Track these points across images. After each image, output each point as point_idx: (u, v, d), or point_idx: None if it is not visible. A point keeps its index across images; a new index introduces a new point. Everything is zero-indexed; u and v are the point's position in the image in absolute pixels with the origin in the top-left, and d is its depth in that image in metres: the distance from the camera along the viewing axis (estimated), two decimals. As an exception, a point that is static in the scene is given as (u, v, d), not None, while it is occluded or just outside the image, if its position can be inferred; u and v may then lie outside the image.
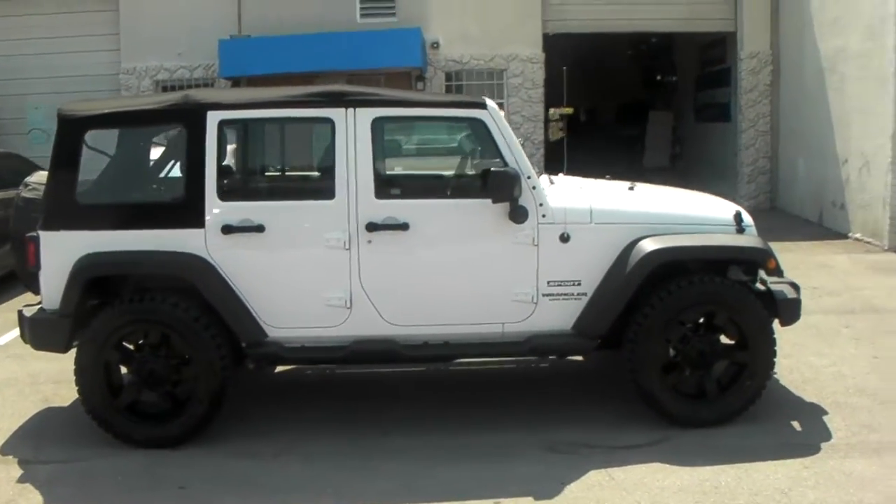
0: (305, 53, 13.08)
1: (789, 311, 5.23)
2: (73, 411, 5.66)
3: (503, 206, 5.00)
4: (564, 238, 5.08)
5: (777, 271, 5.22)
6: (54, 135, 5.10)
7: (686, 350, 5.13)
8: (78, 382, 5.02)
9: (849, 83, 11.29)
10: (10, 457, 4.99)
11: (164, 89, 14.12)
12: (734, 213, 5.41)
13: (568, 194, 5.30)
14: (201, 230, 4.99)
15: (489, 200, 4.98)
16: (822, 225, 12.13)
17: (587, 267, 5.11)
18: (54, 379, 6.29)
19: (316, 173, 5.36)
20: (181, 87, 13.91)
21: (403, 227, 5.00)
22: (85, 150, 5.04)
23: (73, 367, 6.29)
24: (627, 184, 5.83)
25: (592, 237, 5.12)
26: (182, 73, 14.30)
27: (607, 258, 5.11)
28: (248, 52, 13.41)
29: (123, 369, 5.14)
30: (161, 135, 5.47)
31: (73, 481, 4.67)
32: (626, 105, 24.48)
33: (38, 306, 5.26)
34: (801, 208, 13.06)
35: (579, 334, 5.13)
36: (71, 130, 5.04)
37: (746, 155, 14.44)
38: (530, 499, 4.34)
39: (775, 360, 5.18)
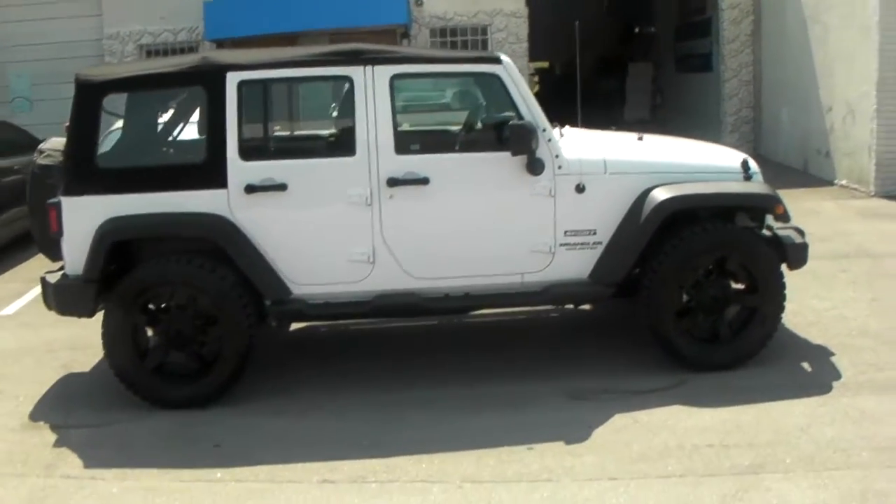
0: (290, 13, 12.98)
1: (797, 255, 5.38)
2: (96, 376, 5.75)
3: (521, 159, 5.08)
4: (580, 188, 5.19)
5: (784, 217, 5.36)
6: (73, 100, 5.09)
7: (699, 295, 5.28)
8: (105, 345, 5.07)
9: (832, 32, 11.41)
10: (42, 423, 5.06)
11: (149, 54, 13.98)
12: (741, 160, 5.54)
13: (581, 146, 5.39)
14: (224, 190, 5.03)
15: (507, 153, 5.07)
16: (808, 172, 12.32)
17: (602, 216, 5.23)
18: (70, 346, 6.34)
19: (336, 131, 5.40)
20: (166, 52, 13.78)
21: (423, 181, 5.08)
22: (104, 114, 5.05)
23: (86, 333, 6.40)
24: (636, 135, 5.93)
25: (606, 187, 5.23)
26: (166, 37, 14.13)
27: (621, 207, 5.23)
28: (233, 13, 13.26)
29: (149, 332, 5.22)
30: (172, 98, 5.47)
31: (110, 443, 4.75)
32: (606, 58, 24.45)
33: (61, 272, 5.30)
34: (785, 156, 13.25)
35: (595, 282, 5.27)
36: (89, 95, 5.03)
37: (730, 105, 14.59)
38: (561, 443, 4.49)
39: (784, 303, 5.35)
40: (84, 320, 5.38)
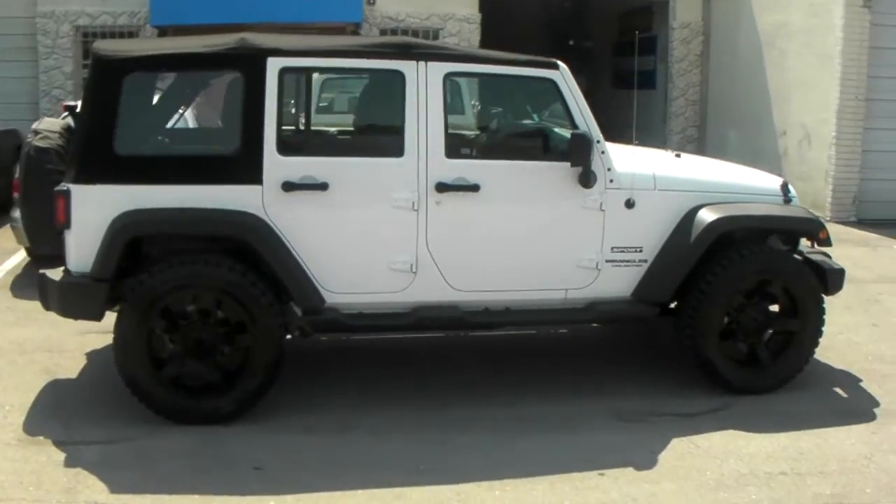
0: (240, 3, 12.40)
1: (836, 280, 5.33)
2: (86, 384, 5.20)
3: (573, 170, 4.86)
4: (629, 204, 5.01)
5: (827, 242, 5.33)
6: (88, 76, 4.56)
7: (741, 318, 5.16)
8: (117, 352, 4.55)
9: (789, 58, 11.67)
10: (41, 437, 4.48)
11: (86, 36, 13.07)
12: (781, 184, 5.49)
13: (629, 160, 5.21)
14: (258, 187, 4.60)
15: (561, 163, 4.85)
16: (755, 195, 12.57)
17: (648, 233, 5.07)
18: (45, 347, 5.74)
19: (384, 129, 5.04)
20: (104, 35, 12.91)
21: (474, 188, 4.78)
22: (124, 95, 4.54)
23: (58, 334, 5.81)
24: (673, 152, 5.80)
25: (655, 204, 5.07)
26: (105, 20, 13.23)
27: (668, 225, 5.09)
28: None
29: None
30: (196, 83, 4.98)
31: (129, 463, 4.23)
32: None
33: (61, 269, 4.75)
34: (729, 178, 13.48)
35: (639, 301, 5.09)
36: (110, 72, 4.52)
37: (675, 123, 14.78)
38: (631, 469, 4.27)
39: (823, 328, 5.30)
40: (52, 318, 4.88)
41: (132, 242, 4.55)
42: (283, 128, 4.62)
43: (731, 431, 4.70)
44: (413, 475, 4.16)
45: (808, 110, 11.16)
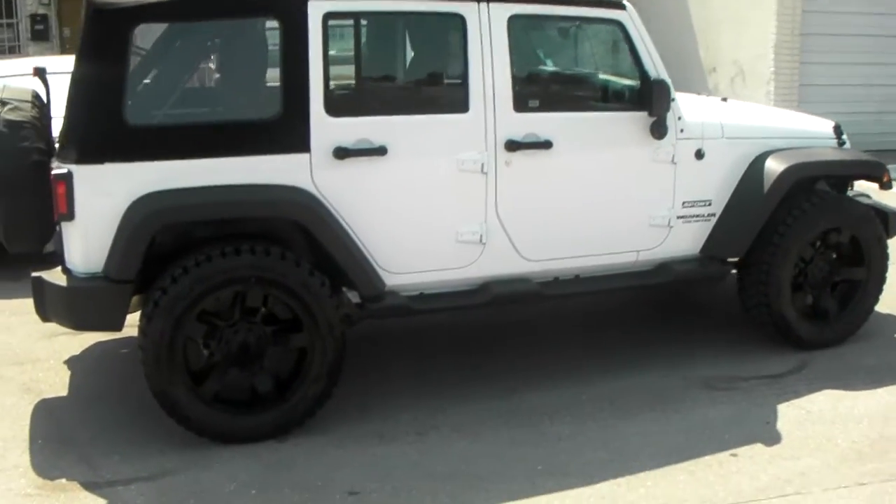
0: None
1: (897, 223, 5.11)
2: (85, 403, 4.32)
3: (646, 121, 4.37)
4: (699, 155, 4.58)
5: (889, 185, 5.08)
6: (83, 30, 3.63)
7: (810, 269, 4.85)
8: (147, 368, 3.71)
9: (716, -6, 11.51)
10: (63, 480, 3.60)
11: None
12: (833, 126, 5.19)
13: (695, 107, 4.75)
14: (304, 155, 3.84)
15: (635, 113, 4.36)
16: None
17: (717, 186, 4.68)
18: (11, 359, 4.82)
19: (444, 81, 4.33)
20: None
21: (546, 145, 4.20)
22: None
23: (16, 340, 4.94)
24: (717, 98, 5.39)
25: (723, 154, 4.67)
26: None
27: (734, 176, 4.71)
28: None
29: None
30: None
31: (194, 501, 3.44)
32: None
33: (57, 270, 3.85)
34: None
35: (710, 258, 4.69)
36: (113, 25, 3.62)
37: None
38: (760, 445, 3.86)
39: (887, 275, 5.06)
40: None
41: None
42: (331, 84, 3.86)
43: (829, 392, 4.38)
44: (538, 480, 3.59)
45: (741, 46, 11.04)
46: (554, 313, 5.40)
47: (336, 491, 3.53)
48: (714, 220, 4.68)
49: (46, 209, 3.91)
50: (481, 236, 4.16)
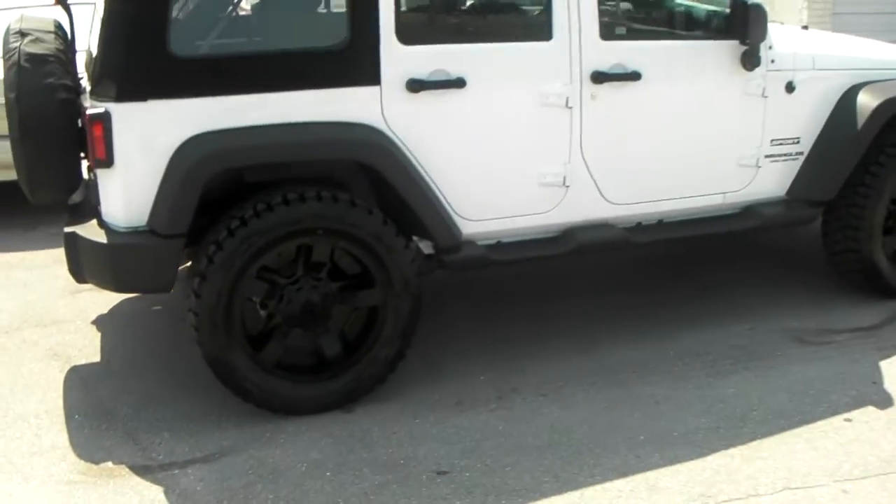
0: None
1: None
2: (124, 371, 3.87)
3: (735, 50, 3.94)
4: (790, 88, 4.17)
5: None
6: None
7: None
8: (202, 335, 3.27)
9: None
10: (109, 464, 3.18)
11: None
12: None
13: (783, 37, 4.31)
14: (374, 88, 3.37)
15: (728, 42, 3.93)
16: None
17: (806, 121, 4.27)
18: (33, 320, 4.38)
19: (527, 5, 3.84)
20: None
21: (633, 76, 3.76)
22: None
23: (41, 299, 4.51)
24: (797, 26, 4.95)
25: (814, 87, 4.25)
26: None
27: (824, 111, 4.31)
28: None
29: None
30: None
31: (262, 490, 3.02)
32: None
33: (92, 223, 3.37)
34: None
35: (797, 200, 4.30)
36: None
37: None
38: (872, 409, 3.51)
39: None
40: (15, 276, 4.05)
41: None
42: (404, 7, 3.37)
43: (934, 345, 4.08)
44: (642, 452, 3.22)
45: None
46: (620, 260, 5.00)
47: (421, 470, 3.14)
48: (802, 159, 4.29)
49: (74, 154, 3.46)
50: (564, 178, 3.73)
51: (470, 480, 3.09)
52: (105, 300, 4.39)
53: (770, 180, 4.24)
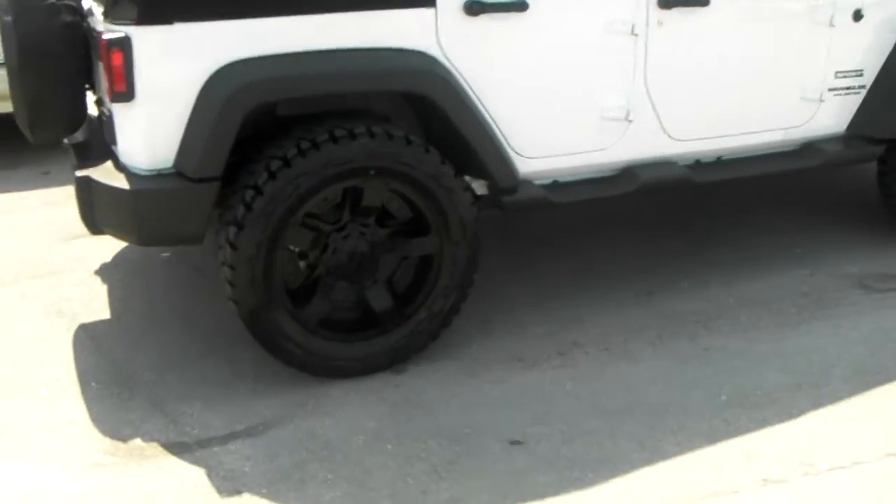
0: None
1: None
2: (138, 329, 3.46)
3: (801, -25, 3.59)
4: (857, 16, 3.84)
5: None
6: None
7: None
8: (238, 292, 2.88)
9: None
10: (138, 440, 2.80)
11: None
12: None
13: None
14: (430, 10, 2.96)
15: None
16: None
17: (868, 53, 3.96)
18: (30, 271, 3.94)
19: None
20: None
21: (702, 2, 3.39)
22: None
23: (35, 247, 4.13)
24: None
25: (880, 16, 3.93)
26: None
27: (888, 42, 3.99)
28: None
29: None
30: None
31: (316, 467, 2.67)
32: None
33: (108, 167, 2.94)
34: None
35: (857, 137, 4.02)
36: None
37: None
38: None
39: None
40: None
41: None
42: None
43: None
44: (728, 415, 2.94)
45: None
46: (660, 202, 4.68)
47: (492, 440, 2.82)
48: (863, 92, 3.99)
49: (79, 87, 3.03)
50: (628, 112, 3.38)
51: (547, 451, 2.78)
52: (107, 247, 3.94)
53: (831, 115, 3.93)
